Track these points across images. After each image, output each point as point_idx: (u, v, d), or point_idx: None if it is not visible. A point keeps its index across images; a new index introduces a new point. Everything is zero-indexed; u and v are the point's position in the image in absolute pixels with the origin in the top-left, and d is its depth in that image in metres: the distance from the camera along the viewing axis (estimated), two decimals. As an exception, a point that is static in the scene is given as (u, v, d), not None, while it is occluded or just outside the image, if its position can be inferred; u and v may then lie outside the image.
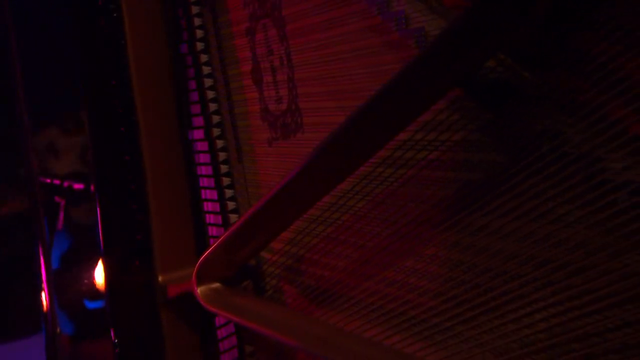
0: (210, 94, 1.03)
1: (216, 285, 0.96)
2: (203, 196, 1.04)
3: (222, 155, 1.02)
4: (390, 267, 0.80)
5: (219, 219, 1.01)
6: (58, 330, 1.22)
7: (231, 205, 1.01)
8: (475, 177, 0.68)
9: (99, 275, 1.07)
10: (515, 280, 0.63)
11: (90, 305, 1.22)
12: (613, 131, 0.53)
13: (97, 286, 1.10)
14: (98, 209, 1.03)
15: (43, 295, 1.18)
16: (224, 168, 1.01)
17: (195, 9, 1.04)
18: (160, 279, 1.00)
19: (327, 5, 0.90)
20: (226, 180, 1.01)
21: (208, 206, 1.03)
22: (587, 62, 0.55)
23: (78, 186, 1.20)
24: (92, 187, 1.06)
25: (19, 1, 1.21)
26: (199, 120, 1.04)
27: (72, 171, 1.14)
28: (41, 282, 1.17)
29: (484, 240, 0.66)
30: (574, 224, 0.58)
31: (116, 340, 1.02)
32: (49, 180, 1.13)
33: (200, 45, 1.04)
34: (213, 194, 1.02)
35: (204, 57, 1.03)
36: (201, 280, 0.95)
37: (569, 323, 0.58)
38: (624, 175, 0.53)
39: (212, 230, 1.03)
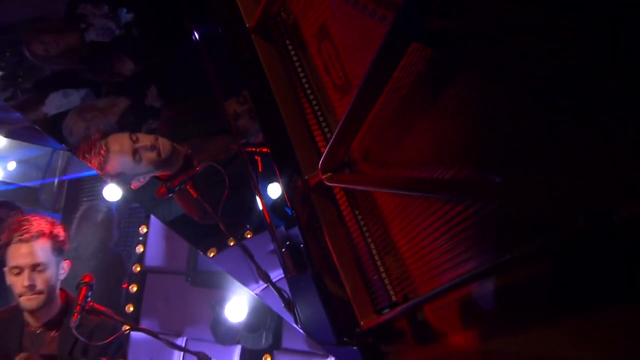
0: (307, 86, 2.07)
1: (331, 173, 1.97)
2: (315, 133, 2.07)
3: (320, 113, 2.05)
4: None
5: (324, 143, 2.04)
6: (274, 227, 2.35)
7: (329, 135, 2.03)
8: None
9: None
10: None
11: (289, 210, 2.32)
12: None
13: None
14: (272, 155, 2.13)
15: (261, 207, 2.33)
16: (321, 119, 2.04)
17: (290, 47, 2.11)
18: (305, 177, 2.05)
19: (350, 21, 1.88)
20: (324, 124, 2.04)
21: (317, 138, 2.06)
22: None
23: (265, 150, 2.34)
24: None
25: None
26: (304, 98, 2.09)
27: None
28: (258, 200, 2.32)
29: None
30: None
31: (294, 214, 2.09)
32: (249, 149, 2.29)
33: (297, 63, 2.09)
34: (318, 132, 2.05)
35: (299, 69, 2.08)
36: (323, 171, 1.96)
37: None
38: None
39: (322, 149, 2.05)
